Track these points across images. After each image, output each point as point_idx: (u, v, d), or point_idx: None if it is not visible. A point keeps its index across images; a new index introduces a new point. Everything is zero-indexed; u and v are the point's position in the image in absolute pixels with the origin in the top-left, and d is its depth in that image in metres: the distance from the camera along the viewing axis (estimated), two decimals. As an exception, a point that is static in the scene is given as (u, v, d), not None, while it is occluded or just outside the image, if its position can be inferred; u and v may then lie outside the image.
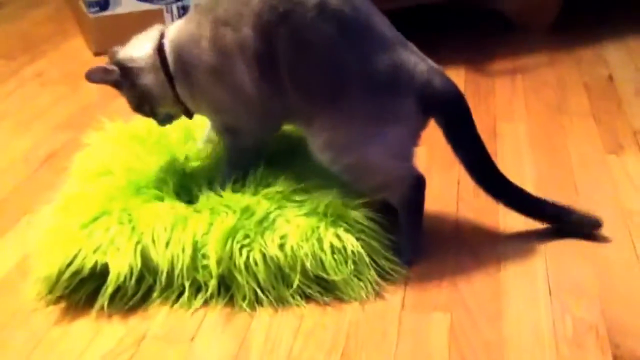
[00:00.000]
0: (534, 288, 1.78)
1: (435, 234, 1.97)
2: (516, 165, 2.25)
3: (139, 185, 1.95)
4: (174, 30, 1.90)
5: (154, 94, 1.91)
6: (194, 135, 2.16)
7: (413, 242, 1.90)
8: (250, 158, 1.96)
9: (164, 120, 2.01)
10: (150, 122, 2.10)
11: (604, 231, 1.95)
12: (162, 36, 1.89)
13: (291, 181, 1.91)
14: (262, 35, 1.75)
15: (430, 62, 1.82)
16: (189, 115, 1.99)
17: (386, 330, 1.68)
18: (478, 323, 1.69)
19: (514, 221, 1.98)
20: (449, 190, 2.12)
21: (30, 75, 3.20)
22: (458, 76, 2.87)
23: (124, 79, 1.89)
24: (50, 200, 2.01)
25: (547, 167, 2.26)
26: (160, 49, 1.87)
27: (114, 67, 1.89)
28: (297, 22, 1.72)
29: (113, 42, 1.97)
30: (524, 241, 1.94)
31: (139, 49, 1.90)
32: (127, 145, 2.12)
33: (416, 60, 1.79)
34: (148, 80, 1.89)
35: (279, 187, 1.89)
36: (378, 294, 1.78)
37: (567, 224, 1.95)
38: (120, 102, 2.20)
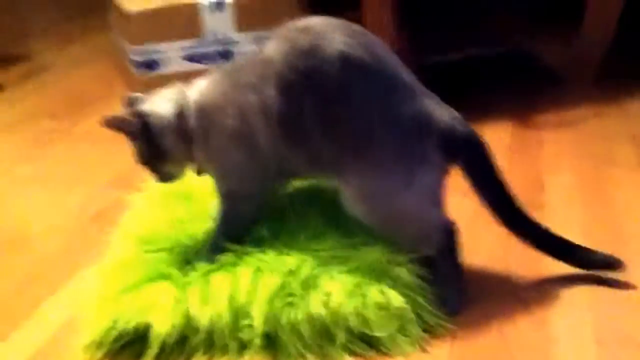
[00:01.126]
0: (582, 338, 1.76)
1: (482, 286, 1.96)
2: (564, 217, 2.23)
3: (184, 252, 1.97)
4: (197, 91, 1.91)
5: (168, 153, 1.93)
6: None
7: (457, 292, 1.89)
8: (244, 226, 1.97)
9: (165, 178, 2.02)
10: (192, 182, 2.14)
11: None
12: (184, 97, 1.91)
13: (338, 237, 1.91)
14: (286, 94, 1.76)
15: (450, 108, 1.83)
16: (201, 173, 2.02)
17: (434, 386, 1.67)
18: (527, 376, 1.67)
19: (560, 270, 1.96)
20: (495, 242, 2.11)
21: (79, 134, 3.24)
22: (505, 130, 2.87)
23: (141, 132, 1.91)
24: (99, 259, 2.03)
25: (596, 219, 2.23)
26: (181, 111, 1.89)
27: (135, 120, 1.90)
28: (321, 76, 1.73)
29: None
30: (571, 290, 1.92)
31: (163, 107, 1.91)
32: (170, 206, 2.15)
33: (437, 107, 1.80)
34: (167, 139, 1.91)
35: (326, 244, 1.89)
36: (424, 349, 1.76)
37: (591, 265, 1.95)
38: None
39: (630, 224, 2.20)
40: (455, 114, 1.82)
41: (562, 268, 1.96)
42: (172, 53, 3.36)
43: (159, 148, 1.92)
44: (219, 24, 3.37)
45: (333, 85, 1.73)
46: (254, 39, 3.37)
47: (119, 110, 1.96)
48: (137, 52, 3.33)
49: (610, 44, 3.20)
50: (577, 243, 1.93)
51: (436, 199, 1.85)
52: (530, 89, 3.28)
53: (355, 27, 1.81)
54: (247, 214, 1.97)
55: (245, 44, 3.38)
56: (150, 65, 3.34)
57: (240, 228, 1.96)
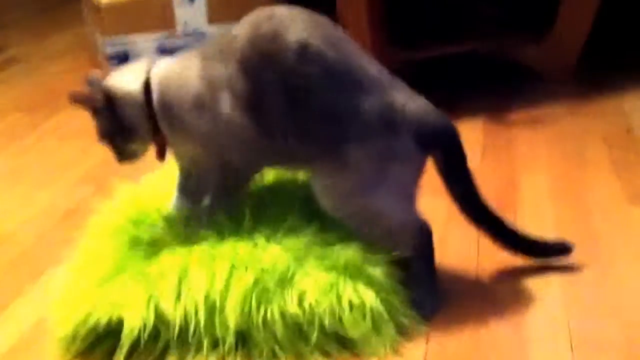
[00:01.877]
0: (557, 340, 1.75)
1: (456, 288, 1.95)
2: (536, 215, 2.23)
3: (154, 241, 1.94)
4: (162, 65, 1.91)
5: (132, 128, 1.92)
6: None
7: (430, 295, 1.88)
8: (226, 199, 1.95)
9: (127, 156, 2.00)
10: (164, 180, 2.15)
11: (628, 280, 1.94)
12: (149, 72, 1.90)
13: (313, 233, 1.89)
14: (247, 75, 1.76)
15: (422, 99, 1.81)
16: (162, 156, 1.99)
17: (408, 389, 1.66)
18: (501, 379, 1.66)
19: (534, 271, 1.97)
20: (468, 244, 2.10)
21: (49, 129, 3.22)
22: (476, 127, 2.87)
23: (105, 107, 1.90)
24: (69, 257, 2.00)
25: (568, 218, 2.23)
26: (146, 85, 1.88)
27: (99, 96, 1.89)
28: (280, 67, 1.73)
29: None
30: (545, 290, 1.92)
31: (128, 81, 1.90)
32: (139, 205, 2.11)
33: (407, 99, 1.78)
34: (131, 114, 1.89)
35: (302, 240, 1.87)
36: (398, 351, 1.74)
37: (543, 253, 1.99)
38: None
39: (602, 223, 2.20)
40: (428, 104, 1.80)
41: (535, 269, 1.97)
42: (144, 45, 3.34)
43: (124, 124, 1.91)
44: (191, 16, 3.36)
45: (293, 75, 1.73)
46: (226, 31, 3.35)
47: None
48: (109, 44, 3.31)
49: (586, 42, 3.21)
50: (532, 236, 1.95)
51: (409, 195, 1.84)
52: (504, 87, 3.28)
53: (321, 19, 1.81)
54: (226, 186, 1.94)
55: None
56: (123, 57, 3.33)
57: (226, 200, 1.95)
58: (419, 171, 1.82)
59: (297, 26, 1.74)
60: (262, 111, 1.77)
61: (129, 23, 3.32)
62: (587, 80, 3.30)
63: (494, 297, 1.92)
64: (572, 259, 2.00)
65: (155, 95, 1.87)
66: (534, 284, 1.94)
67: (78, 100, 1.91)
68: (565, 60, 3.28)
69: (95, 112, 1.92)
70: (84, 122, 1.92)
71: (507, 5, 3.38)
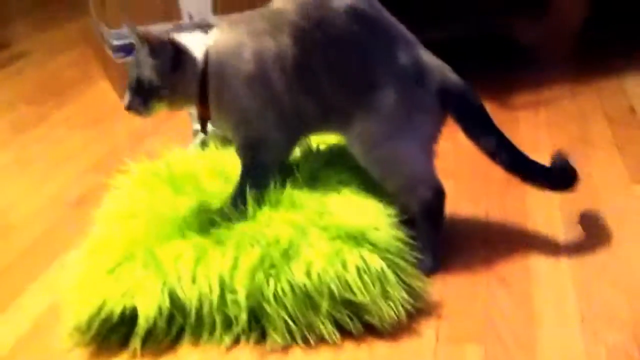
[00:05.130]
0: (565, 315, 1.78)
1: (466, 265, 1.98)
2: (542, 196, 2.22)
3: (162, 226, 1.94)
4: (218, 38, 1.93)
5: (180, 91, 1.94)
6: (225, 173, 2.13)
7: (433, 252, 1.95)
8: (269, 175, 1.98)
9: (140, 109, 1.95)
10: (178, 161, 2.18)
11: (634, 256, 1.97)
12: (207, 43, 1.93)
13: (314, 205, 1.92)
14: (299, 42, 1.90)
15: (441, 60, 1.97)
16: (204, 128, 2.03)
17: (422, 364, 1.68)
18: (512, 353, 1.68)
19: (543, 249, 2.00)
20: (477, 222, 2.13)
21: (58, 120, 3.24)
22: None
23: (170, 60, 1.90)
24: (80, 244, 2.01)
25: (573, 198, 2.20)
26: (205, 56, 1.91)
27: (171, 47, 1.91)
28: (330, 26, 1.89)
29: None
30: (554, 268, 1.95)
31: (194, 45, 1.92)
32: (154, 186, 2.12)
33: (431, 58, 1.97)
34: (188, 79, 1.92)
35: (302, 212, 1.90)
36: (412, 329, 1.77)
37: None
38: (148, 144, 2.19)
39: (608, 201, 2.23)
40: (446, 65, 1.96)
41: (545, 247, 2.01)
42: (150, 37, 3.34)
43: (176, 83, 1.93)
44: (196, 7, 3.35)
45: (341, 35, 1.89)
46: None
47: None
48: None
49: (584, 21, 3.22)
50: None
51: (430, 151, 1.95)
52: (505, 71, 3.28)
53: None
54: (268, 162, 2.00)
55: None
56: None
57: (263, 177, 1.98)
58: (439, 125, 1.96)
59: None
60: (311, 71, 1.91)
61: (134, 14, 3.32)
62: (587, 60, 3.31)
63: (504, 273, 1.94)
64: (578, 237, 2.05)
65: (211, 68, 1.92)
66: (543, 263, 1.97)
67: (144, 36, 1.91)
68: (563, 40, 3.30)
69: (154, 55, 1.91)
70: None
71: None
